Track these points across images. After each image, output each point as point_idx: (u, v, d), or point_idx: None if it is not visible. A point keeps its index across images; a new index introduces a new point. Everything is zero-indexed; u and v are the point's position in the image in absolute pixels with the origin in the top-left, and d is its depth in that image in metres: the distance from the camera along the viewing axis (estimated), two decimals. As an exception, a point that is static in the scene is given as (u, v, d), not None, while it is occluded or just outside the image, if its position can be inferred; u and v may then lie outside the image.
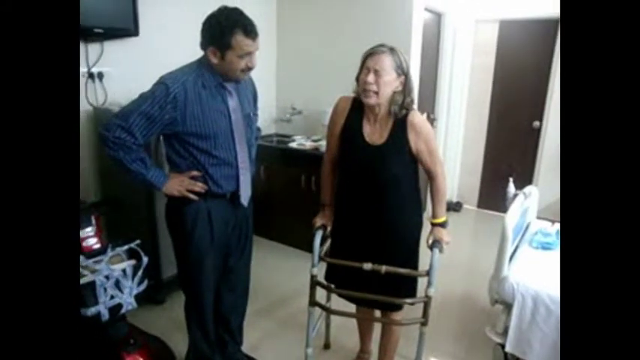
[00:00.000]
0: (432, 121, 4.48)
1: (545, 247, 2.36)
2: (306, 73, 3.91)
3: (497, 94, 4.54)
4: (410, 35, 3.38)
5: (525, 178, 4.26)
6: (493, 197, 4.62)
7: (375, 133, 1.77)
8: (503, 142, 4.60)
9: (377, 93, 1.68)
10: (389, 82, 1.68)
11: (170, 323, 2.54)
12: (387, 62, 1.65)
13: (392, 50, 1.68)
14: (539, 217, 2.77)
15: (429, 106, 4.38)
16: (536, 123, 4.30)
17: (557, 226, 2.55)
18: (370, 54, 1.69)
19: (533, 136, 4.32)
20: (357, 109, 1.80)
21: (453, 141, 4.75)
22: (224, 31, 1.64)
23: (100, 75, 2.69)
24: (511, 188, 2.58)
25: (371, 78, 1.66)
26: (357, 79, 1.74)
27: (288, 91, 4.08)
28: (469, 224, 4.67)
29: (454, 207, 4.82)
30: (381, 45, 1.70)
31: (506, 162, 4.52)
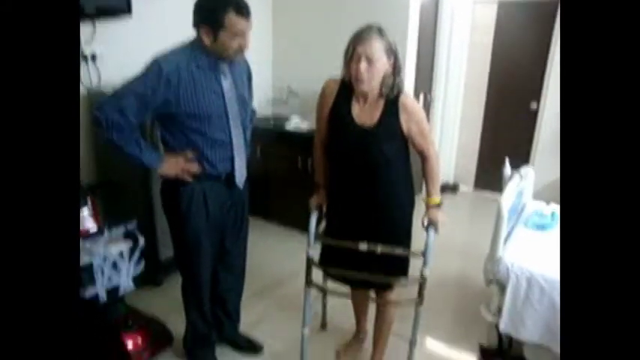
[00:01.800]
0: (429, 101, 4.47)
1: (541, 227, 2.37)
2: (303, 54, 3.88)
3: (494, 76, 4.51)
4: (407, 15, 3.35)
5: (522, 160, 4.26)
6: (490, 178, 4.63)
7: (365, 114, 1.75)
8: (501, 124, 4.59)
9: (370, 81, 1.66)
10: (381, 68, 1.65)
11: (168, 304, 2.56)
12: (378, 47, 1.62)
13: (380, 32, 1.64)
14: (535, 199, 2.78)
15: (426, 86, 4.36)
16: (534, 104, 4.28)
17: (553, 207, 2.56)
18: (360, 39, 1.63)
19: (531, 118, 4.30)
20: (345, 91, 1.78)
21: (449, 122, 4.74)
22: (216, 10, 1.62)
23: (93, 56, 2.66)
24: (507, 169, 2.58)
25: (363, 67, 1.63)
26: (347, 65, 1.69)
27: (285, 72, 4.04)
28: (465, 206, 4.69)
29: (450, 188, 4.84)
30: (369, 27, 1.65)
31: (503, 143, 4.51)
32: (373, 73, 1.64)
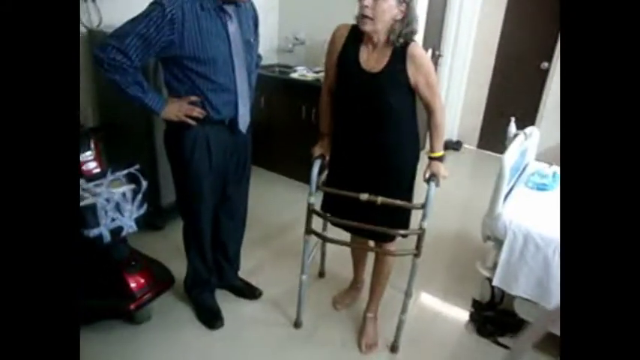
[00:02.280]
0: (437, 57, 4.37)
1: (541, 187, 2.38)
2: (311, 2, 3.76)
3: (506, 34, 4.40)
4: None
5: (528, 121, 4.22)
6: (494, 138, 4.60)
7: (372, 59, 1.72)
8: (509, 83, 4.52)
9: (373, 19, 1.61)
10: (387, 9, 1.60)
11: (169, 248, 2.62)
12: None
13: None
14: (538, 160, 2.78)
15: (435, 42, 4.26)
16: (545, 64, 4.20)
17: (555, 168, 2.56)
18: None
19: (541, 78, 4.23)
20: (355, 36, 1.74)
21: (456, 79, 4.66)
22: None
23: (94, -6, 2.58)
24: (512, 128, 2.56)
25: (367, 2, 1.58)
26: (358, 1, 1.65)
27: (292, 21, 3.94)
28: (468, 163, 4.70)
29: (454, 146, 4.83)
30: None
31: (510, 103, 4.45)
32: (377, 12, 1.59)
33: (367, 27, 1.63)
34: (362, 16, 1.62)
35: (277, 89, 3.56)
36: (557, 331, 1.86)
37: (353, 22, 1.72)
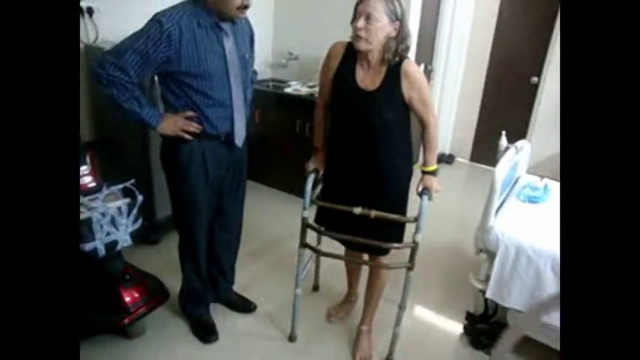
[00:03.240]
0: (429, 72, 4.44)
1: (533, 200, 2.41)
2: (304, 19, 3.82)
3: (496, 49, 4.48)
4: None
5: (519, 134, 4.28)
6: (486, 151, 4.65)
7: (368, 78, 1.76)
8: (500, 97, 4.59)
9: (367, 39, 1.65)
10: (380, 28, 1.64)
11: (164, 263, 2.61)
12: (378, 7, 1.61)
13: None
14: (530, 173, 2.81)
15: (427, 56, 4.33)
16: (535, 78, 4.27)
17: (546, 181, 2.60)
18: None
19: (531, 92, 4.30)
20: (351, 54, 1.78)
21: (449, 93, 4.72)
22: None
23: (90, 10, 2.61)
24: (503, 141, 2.60)
25: (361, 23, 1.63)
26: (351, 24, 1.70)
27: (286, 37, 4.00)
28: (461, 177, 4.74)
29: (446, 159, 4.87)
30: None
31: (501, 117, 4.51)
32: (370, 31, 1.64)
33: (362, 46, 1.67)
34: (356, 37, 1.66)
35: (271, 104, 3.60)
36: (533, 334, 1.87)
37: (348, 38, 1.76)
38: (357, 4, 1.67)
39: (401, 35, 1.68)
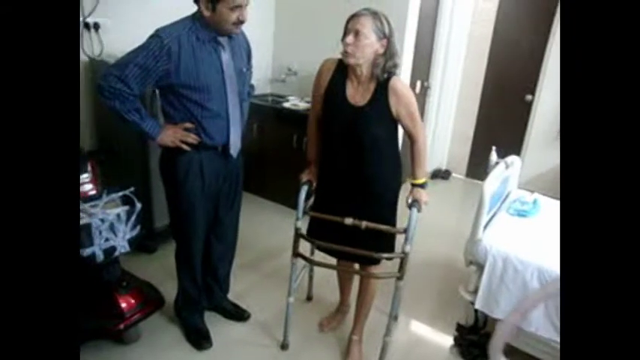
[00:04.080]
0: (425, 89, 4.52)
1: (522, 214, 2.47)
2: (304, 35, 3.92)
3: (492, 67, 4.57)
4: (407, 2, 3.39)
5: (514, 151, 4.35)
6: (482, 167, 4.70)
7: (357, 94, 1.83)
8: (495, 114, 4.66)
9: (354, 54, 1.73)
10: (368, 45, 1.72)
11: (161, 271, 2.66)
12: (366, 24, 1.70)
13: (374, 14, 1.72)
14: (520, 188, 2.88)
15: (423, 74, 4.41)
16: (529, 97, 4.35)
17: (536, 195, 2.66)
18: (352, 16, 1.74)
19: (525, 110, 4.37)
20: (341, 70, 1.86)
21: (445, 110, 4.80)
22: None
23: (96, 25, 2.70)
24: (493, 156, 2.67)
25: (349, 39, 1.71)
26: (342, 40, 1.78)
27: (285, 52, 4.09)
28: (456, 192, 4.79)
29: (442, 175, 4.93)
30: (365, 8, 1.74)
31: (496, 134, 4.58)
32: (358, 47, 1.72)
33: (350, 60, 1.75)
34: (345, 52, 1.75)
35: (270, 118, 3.67)
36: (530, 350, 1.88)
37: (339, 55, 1.84)
38: (347, 22, 1.76)
39: (389, 52, 1.76)
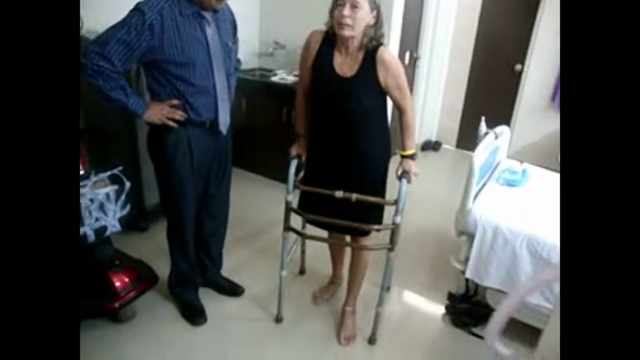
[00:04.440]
0: (415, 59, 4.49)
1: (511, 183, 2.49)
2: (290, 8, 3.84)
3: (481, 37, 4.54)
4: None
5: (503, 121, 4.35)
6: (472, 138, 4.70)
7: (345, 65, 1.82)
8: (485, 84, 4.65)
9: (352, 26, 1.70)
10: (364, 16, 1.71)
11: (153, 249, 2.67)
12: None
13: None
14: (510, 157, 2.89)
15: (412, 44, 4.37)
16: (518, 66, 4.33)
17: (525, 165, 2.68)
18: None
19: (514, 79, 4.36)
20: (329, 42, 1.84)
21: (434, 81, 4.78)
22: None
23: (77, 0, 2.62)
24: (482, 127, 2.67)
25: (347, 11, 1.68)
26: (331, 13, 1.75)
27: (272, 26, 4.02)
28: (447, 163, 4.81)
29: (433, 146, 4.94)
30: None
31: (486, 104, 4.58)
32: (356, 19, 1.69)
33: (347, 32, 1.73)
34: (341, 24, 1.71)
35: (258, 92, 3.63)
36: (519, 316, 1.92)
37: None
38: None
39: (378, 23, 1.75)
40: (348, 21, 1.70)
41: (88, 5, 2.67)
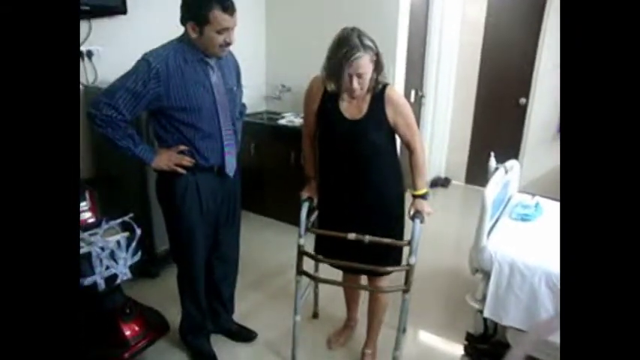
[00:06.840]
0: (420, 97, 4.54)
1: (525, 218, 2.45)
2: (296, 51, 3.93)
3: (484, 71, 4.59)
4: (397, 13, 3.41)
5: (511, 154, 4.35)
6: (480, 173, 4.69)
7: (352, 108, 1.83)
8: (491, 119, 4.67)
9: (362, 89, 1.74)
10: (370, 75, 1.73)
11: (164, 296, 2.63)
12: (366, 64, 1.67)
13: (361, 40, 1.65)
14: (520, 191, 2.86)
15: (417, 83, 4.43)
16: (523, 100, 4.36)
17: (537, 199, 2.64)
18: (347, 60, 1.65)
19: (520, 113, 4.39)
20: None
21: (440, 117, 4.81)
22: (202, 6, 1.69)
23: (89, 53, 2.71)
24: (492, 162, 2.66)
25: (356, 84, 1.70)
26: (331, 76, 1.74)
27: (278, 69, 4.10)
28: (457, 199, 4.77)
29: (442, 183, 4.92)
30: (349, 35, 1.67)
31: (493, 138, 4.59)
32: (364, 84, 1.73)
33: (357, 95, 1.77)
34: (353, 94, 1.75)
35: (266, 135, 3.67)
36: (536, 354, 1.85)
37: None
38: (341, 64, 1.66)
39: (379, 66, 1.77)
40: (358, 91, 1.73)
41: (102, 58, 2.77)
